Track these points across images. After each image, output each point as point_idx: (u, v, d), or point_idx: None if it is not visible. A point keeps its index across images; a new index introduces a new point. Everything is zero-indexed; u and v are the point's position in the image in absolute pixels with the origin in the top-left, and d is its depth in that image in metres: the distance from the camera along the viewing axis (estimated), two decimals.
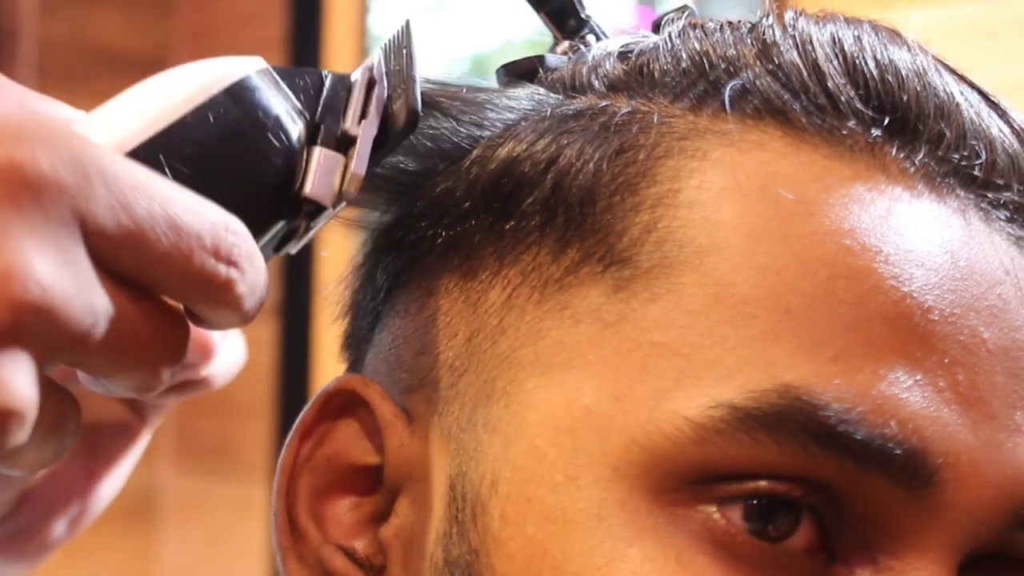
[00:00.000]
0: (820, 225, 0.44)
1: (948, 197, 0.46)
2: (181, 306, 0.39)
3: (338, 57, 2.11)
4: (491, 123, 0.48)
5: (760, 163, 0.45)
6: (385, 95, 0.45)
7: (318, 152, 0.43)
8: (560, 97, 0.49)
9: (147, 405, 0.53)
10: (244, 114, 0.41)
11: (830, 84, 0.46)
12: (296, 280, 2.03)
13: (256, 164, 0.41)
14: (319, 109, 0.44)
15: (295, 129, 0.42)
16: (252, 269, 0.38)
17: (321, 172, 0.42)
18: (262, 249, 0.40)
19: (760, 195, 0.45)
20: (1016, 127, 0.48)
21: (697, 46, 0.48)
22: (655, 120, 0.46)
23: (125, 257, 0.36)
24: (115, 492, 0.54)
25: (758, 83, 0.46)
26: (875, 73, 0.46)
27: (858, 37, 0.47)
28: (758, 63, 0.47)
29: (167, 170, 0.39)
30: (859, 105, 0.46)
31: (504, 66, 0.52)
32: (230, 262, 0.38)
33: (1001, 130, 0.48)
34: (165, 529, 2.30)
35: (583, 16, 0.53)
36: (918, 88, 0.47)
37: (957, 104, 0.47)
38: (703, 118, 0.46)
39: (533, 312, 0.46)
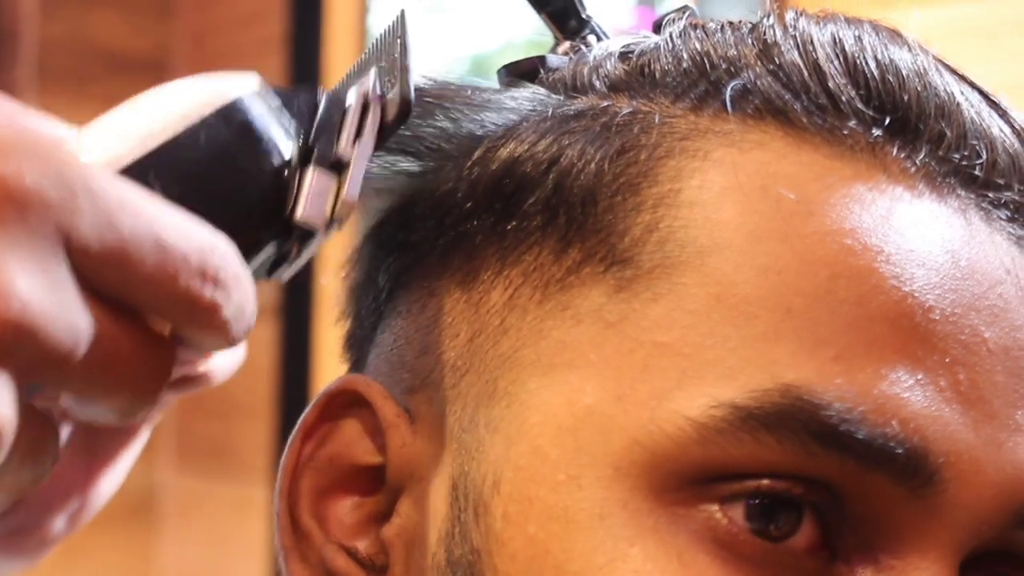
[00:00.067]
0: (821, 225, 0.44)
1: (949, 197, 0.46)
2: (167, 329, 0.38)
3: (338, 57, 2.11)
4: (492, 123, 0.48)
5: (761, 163, 0.45)
6: (381, 102, 0.44)
7: (310, 175, 0.42)
8: (561, 97, 0.49)
9: None
10: (236, 136, 0.41)
11: (831, 84, 0.46)
12: (296, 280, 2.03)
13: (246, 186, 0.41)
14: (313, 131, 0.43)
15: (287, 151, 0.41)
16: (239, 292, 0.38)
17: (313, 195, 0.42)
18: (252, 273, 0.40)
19: (761, 195, 0.45)
20: (1017, 127, 0.48)
21: (698, 46, 0.48)
22: (656, 120, 0.47)
23: (109, 276, 0.35)
24: (114, 488, 0.54)
25: (759, 83, 0.46)
26: (876, 73, 0.46)
27: (859, 37, 0.47)
28: (759, 63, 0.47)
29: (157, 189, 0.38)
30: (860, 105, 0.46)
31: (505, 66, 0.52)
32: (216, 284, 0.37)
33: (1002, 130, 0.48)
34: (165, 529, 2.30)
35: (584, 17, 0.53)
36: (919, 88, 0.47)
37: (958, 104, 0.47)
38: (704, 118, 0.47)
39: (535, 312, 0.46)
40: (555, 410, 0.44)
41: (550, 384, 0.45)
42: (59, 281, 0.34)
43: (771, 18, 0.48)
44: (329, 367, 2.00)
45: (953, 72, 0.48)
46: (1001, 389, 0.44)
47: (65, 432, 0.51)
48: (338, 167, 0.43)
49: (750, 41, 0.47)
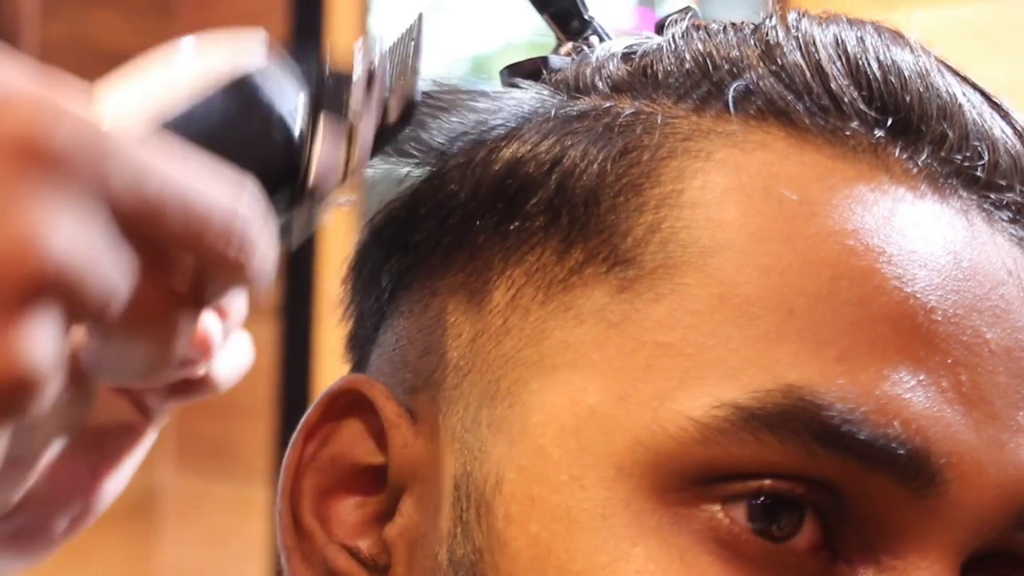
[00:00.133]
0: (823, 226, 0.44)
1: (951, 198, 0.46)
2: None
3: (338, 57, 2.10)
4: (495, 124, 0.48)
5: (763, 164, 0.45)
6: (387, 87, 0.45)
7: (320, 142, 0.43)
8: (564, 98, 0.49)
9: (152, 405, 0.53)
10: (248, 105, 0.42)
11: (833, 85, 0.46)
12: (296, 281, 2.03)
13: (260, 154, 0.42)
14: (322, 100, 0.44)
15: (299, 120, 0.43)
16: (262, 247, 0.39)
17: (323, 163, 0.43)
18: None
19: (764, 196, 0.45)
20: (1018, 128, 0.48)
21: (700, 47, 0.48)
22: (659, 121, 0.47)
23: (138, 232, 0.37)
24: (119, 490, 0.54)
25: (761, 84, 0.46)
26: (878, 74, 0.46)
27: (861, 38, 0.47)
28: (761, 64, 0.47)
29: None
30: (862, 106, 0.46)
31: (508, 67, 0.52)
32: (241, 242, 0.38)
33: (1003, 131, 0.48)
34: (165, 529, 2.30)
35: (586, 17, 0.53)
36: (921, 89, 0.47)
37: (960, 105, 0.47)
38: (707, 119, 0.47)
39: (537, 312, 0.46)
40: (558, 410, 0.44)
41: (552, 384, 0.45)
42: (94, 233, 0.36)
43: (773, 19, 0.48)
44: (330, 367, 1.99)
45: (955, 73, 0.48)
46: (1003, 390, 0.44)
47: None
48: (347, 136, 0.44)
49: (752, 42, 0.47)
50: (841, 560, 0.43)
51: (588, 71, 0.50)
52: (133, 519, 2.23)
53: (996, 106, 0.48)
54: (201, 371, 0.51)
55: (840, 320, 0.43)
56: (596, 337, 0.44)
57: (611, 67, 0.49)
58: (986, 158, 0.47)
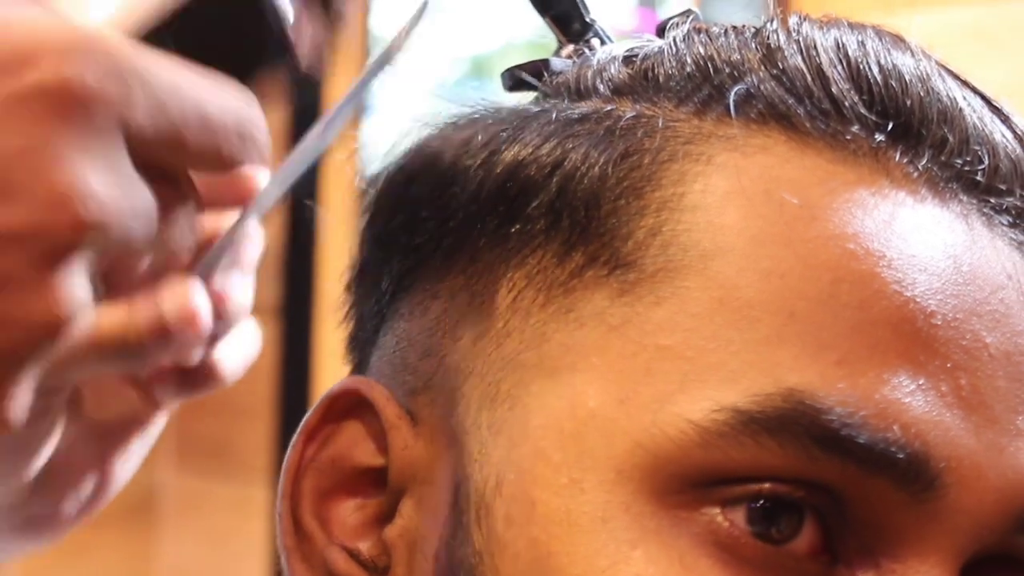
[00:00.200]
0: (824, 229, 0.44)
1: (951, 202, 0.46)
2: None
3: (338, 57, 2.10)
4: (496, 127, 0.49)
5: (764, 167, 0.45)
6: None
7: (308, 29, 0.47)
8: (565, 101, 0.49)
9: (159, 397, 0.53)
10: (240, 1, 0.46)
11: (834, 89, 0.46)
12: (296, 281, 2.03)
13: (253, 45, 0.46)
14: None
15: (288, 12, 0.46)
16: (265, 139, 0.42)
17: (312, 47, 0.47)
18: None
19: (764, 199, 0.45)
20: (1019, 132, 0.48)
21: (702, 50, 0.48)
22: (660, 124, 0.47)
23: (160, 154, 0.39)
24: (128, 476, 0.54)
25: (762, 88, 0.46)
26: (879, 78, 0.46)
27: (862, 42, 0.47)
28: (762, 68, 0.47)
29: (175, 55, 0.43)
30: (863, 110, 0.46)
31: (509, 69, 0.52)
32: (251, 140, 0.41)
33: (1004, 135, 0.48)
34: (165, 529, 2.30)
35: (587, 20, 0.53)
36: (921, 93, 0.47)
37: (960, 109, 0.47)
38: (707, 122, 0.47)
39: (538, 315, 0.46)
40: (558, 413, 0.44)
41: (553, 387, 0.45)
42: (124, 174, 0.38)
43: (774, 23, 0.48)
44: (330, 368, 2.00)
45: (955, 77, 0.48)
46: (1002, 394, 0.44)
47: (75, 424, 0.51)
48: (332, 17, 0.48)
49: (753, 46, 0.48)
50: (840, 563, 0.43)
51: (589, 74, 0.50)
52: (133, 519, 2.23)
53: (996, 110, 0.49)
54: (196, 356, 0.50)
55: (840, 324, 0.43)
56: (596, 340, 0.44)
57: (612, 70, 0.49)
58: (986, 162, 0.47)
